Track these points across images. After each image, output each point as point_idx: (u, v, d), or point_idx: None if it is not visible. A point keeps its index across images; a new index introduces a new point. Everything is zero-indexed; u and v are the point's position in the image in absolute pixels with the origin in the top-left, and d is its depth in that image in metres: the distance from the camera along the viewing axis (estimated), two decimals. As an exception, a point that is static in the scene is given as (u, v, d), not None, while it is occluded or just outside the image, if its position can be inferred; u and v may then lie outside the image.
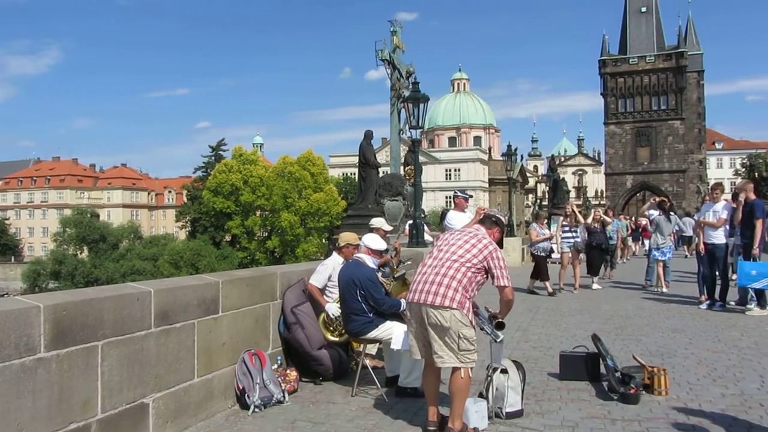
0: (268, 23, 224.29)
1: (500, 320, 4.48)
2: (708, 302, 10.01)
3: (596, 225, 13.45)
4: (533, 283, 12.41)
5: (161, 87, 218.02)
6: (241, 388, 4.84)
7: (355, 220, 14.82)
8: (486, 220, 4.62)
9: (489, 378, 4.62)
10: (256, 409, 4.76)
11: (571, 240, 12.79)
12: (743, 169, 65.71)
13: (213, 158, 71.15)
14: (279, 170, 61.01)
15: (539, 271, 12.25)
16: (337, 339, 5.69)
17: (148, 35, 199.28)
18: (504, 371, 4.62)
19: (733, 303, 9.88)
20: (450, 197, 46.45)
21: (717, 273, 10.04)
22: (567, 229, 12.93)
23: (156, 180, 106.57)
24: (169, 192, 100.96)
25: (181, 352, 4.33)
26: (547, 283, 12.13)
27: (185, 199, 73.23)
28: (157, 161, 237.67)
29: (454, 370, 4.12)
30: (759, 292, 9.22)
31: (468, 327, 4.12)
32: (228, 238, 62.38)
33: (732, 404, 4.85)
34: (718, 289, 10.02)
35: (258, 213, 60.76)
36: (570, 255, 12.85)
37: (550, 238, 12.64)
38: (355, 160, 16.85)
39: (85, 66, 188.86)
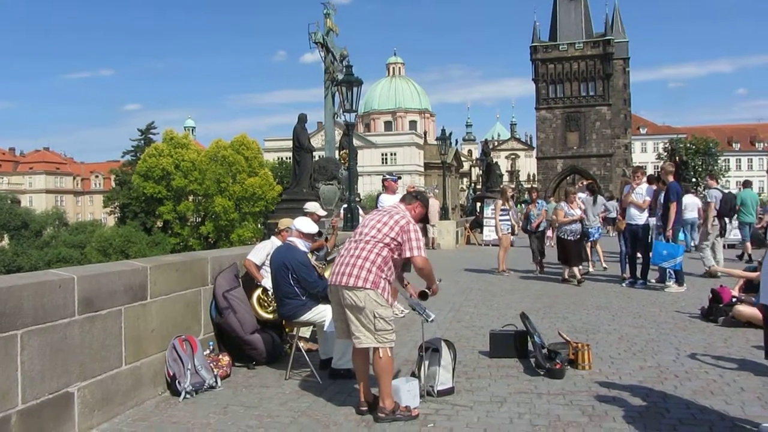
0: (200, 3, 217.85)
1: (423, 290, 4.52)
2: (630, 280, 10.46)
3: None
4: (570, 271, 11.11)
5: (82, 67, 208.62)
6: (171, 374, 4.77)
7: (290, 204, 14.68)
8: (406, 196, 4.70)
9: (421, 357, 4.71)
10: (188, 395, 4.70)
11: (509, 222, 13.10)
12: (665, 153, 68.63)
13: (142, 142, 68.89)
14: (212, 154, 59.57)
15: (567, 257, 11.06)
16: (270, 316, 5.69)
17: (63, 14, 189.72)
18: (436, 350, 4.72)
19: (653, 281, 10.36)
20: (386, 181, 46.37)
21: (639, 252, 10.50)
22: (505, 211, 13.23)
23: (81, 164, 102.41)
24: (96, 177, 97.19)
25: (107, 339, 4.22)
26: (576, 270, 10.92)
27: (113, 184, 70.66)
28: (82, 145, 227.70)
29: (374, 350, 4.17)
30: (677, 271, 9.70)
31: (384, 307, 4.16)
32: (160, 224, 60.69)
33: (649, 376, 5.11)
34: (639, 267, 10.48)
35: (191, 198, 59.36)
36: (509, 237, 13.11)
37: (580, 220, 11.21)
38: (291, 144, 16.63)
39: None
